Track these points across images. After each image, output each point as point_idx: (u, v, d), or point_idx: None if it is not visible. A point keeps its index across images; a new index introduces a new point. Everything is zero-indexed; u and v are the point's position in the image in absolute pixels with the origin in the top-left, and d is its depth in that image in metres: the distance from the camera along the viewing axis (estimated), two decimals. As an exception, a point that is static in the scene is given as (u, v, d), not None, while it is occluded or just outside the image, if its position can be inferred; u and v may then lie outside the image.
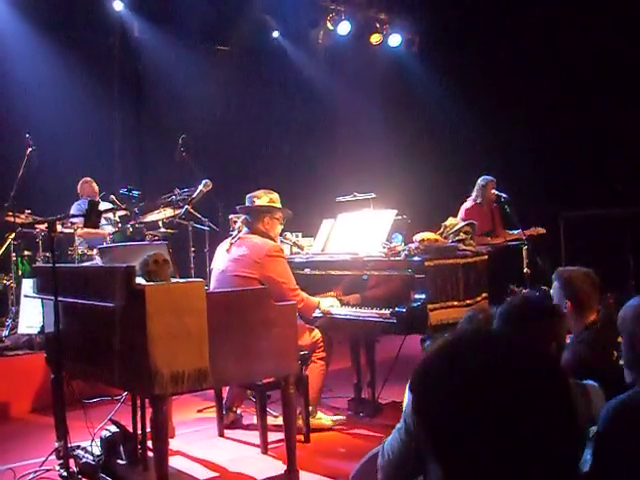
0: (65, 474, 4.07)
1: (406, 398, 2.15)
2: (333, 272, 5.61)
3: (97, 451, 4.39)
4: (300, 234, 6.30)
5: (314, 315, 5.30)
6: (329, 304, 5.32)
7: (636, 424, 2.26)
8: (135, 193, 7.35)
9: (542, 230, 8.34)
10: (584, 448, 1.30)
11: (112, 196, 7.91)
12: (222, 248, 5.30)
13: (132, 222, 7.59)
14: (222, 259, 5.22)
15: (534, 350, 1.28)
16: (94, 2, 9.38)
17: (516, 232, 8.25)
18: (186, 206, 5.76)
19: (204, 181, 5.59)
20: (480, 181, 8.55)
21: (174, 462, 4.67)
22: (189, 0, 9.47)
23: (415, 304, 4.83)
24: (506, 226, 8.64)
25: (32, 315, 6.60)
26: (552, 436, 1.20)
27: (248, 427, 5.50)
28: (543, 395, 1.21)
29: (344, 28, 11.17)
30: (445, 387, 1.24)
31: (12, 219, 7.12)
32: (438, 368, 1.29)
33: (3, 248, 7.29)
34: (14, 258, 7.44)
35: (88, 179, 8.28)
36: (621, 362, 2.62)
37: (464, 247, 5.39)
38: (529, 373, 1.23)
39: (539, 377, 1.23)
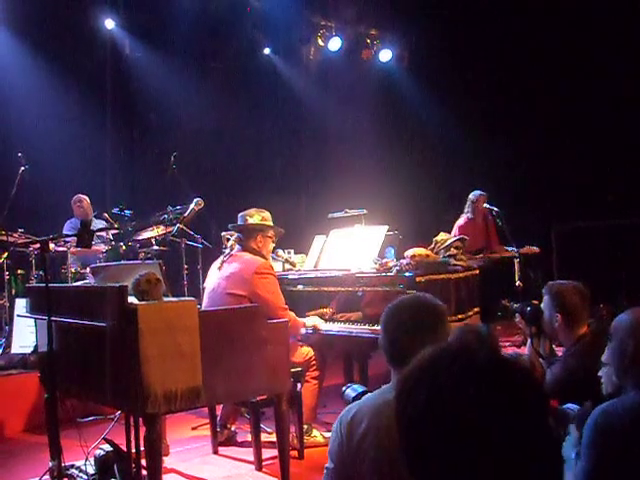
0: (59, 494, 4.07)
1: (332, 435, 2.23)
2: (326, 288, 5.62)
3: (91, 470, 4.38)
4: (292, 251, 6.31)
5: (307, 332, 5.32)
6: (312, 322, 5.35)
7: (618, 431, 2.30)
8: (127, 212, 7.37)
9: (536, 249, 8.39)
10: (561, 466, 1.31)
11: (105, 214, 7.94)
12: (215, 266, 5.32)
13: (125, 240, 7.60)
14: (214, 277, 5.24)
15: (506, 365, 1.31)
16: (85, 20, 9.41)
17: (510, 250, 8.30)
18: (178, 224, 5.78)
19: (195, 199, 5.62)
20: (471, 196, 8.60)
21: (168, 480, 4.69)
22: (180, 18, 9.53)
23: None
24: (501, 239, 8.68)
25: (25, 334, 6.58)
26: (524, 452, 1.22)
27: (242, 444, 5.49)
28: (514, 411, 1.23)
29: (335, 44, 11.23)
30: (416, 398, 1.27)
31: (5, 238, 7.11)
32: (413, 379, 1.32)
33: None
34: (7, 277, 7.43)
35: (80, 197, 8.27)
36: (600, 374, 2.67)
37: (455, 262, 5.43)
38: (499, 389, 1.25)
39: (510, 393, 1.25)
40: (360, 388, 2.97)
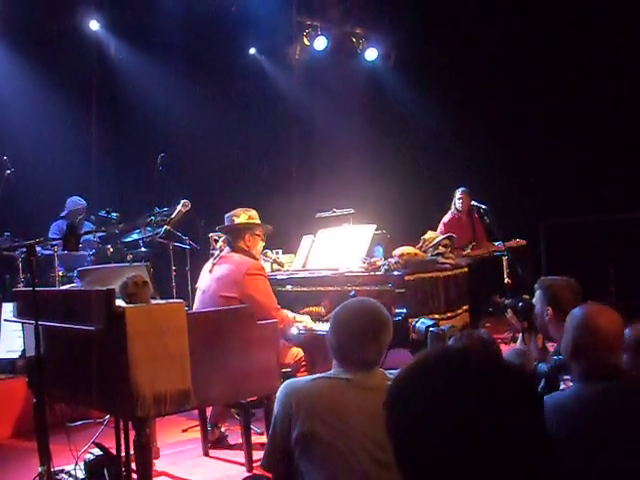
0: (49, 499, 4.05)
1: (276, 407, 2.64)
2: (315, 288, 5.61)
3: (81, 475, 4.36)
4: (280, 251, 6.31)
5: (298, 333, 5.29)
6: (301, 319, 5.32)
7: (561, 422, 2.35)
8: (113, 215, 7.34)
9: (523, 242, 8.41)
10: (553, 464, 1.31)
11: (92, 217, 7.91)
12: (206, 268, 5.31)
13: (112, 243, 7.58)
14: (205, 279, 5.23)
15: (500, 369, 1.30)
16: (70, 22, 9.35)
17: (497, 244, 8.33)
18: (165, 226, 5.76)
19: (182, 201, 5.61)
20: (456, 193, 8.63)
21: (159, 483, 4.67)
22: (165, 19, 9.49)
23: (396, 318, 4.84)
24: (488, 236, 8.70)
25: (13, 339, 6.54)
26: (520, 453, 1.21)
27: (233, 446, 5.47)
28: (510, 415, 1.22)
29: (320, 43, 11.21)
30: (412, 404, 1.26)
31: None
32: (408, 385, 1.31)
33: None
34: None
35: (73, 200, 8.23)
36: None
37: (443, 260, 5.44)
38: (494, 393, 1.24)
39: (506, 396, 1.24)
40: (429, 321, 3.52)
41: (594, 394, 2.48)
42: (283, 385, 2.68)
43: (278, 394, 2.65)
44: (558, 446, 2.34)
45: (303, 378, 2.81)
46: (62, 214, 8.10)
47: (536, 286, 3.94)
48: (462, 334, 3.30)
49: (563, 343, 2.70)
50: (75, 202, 8.20)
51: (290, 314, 5.19)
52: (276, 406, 2.64)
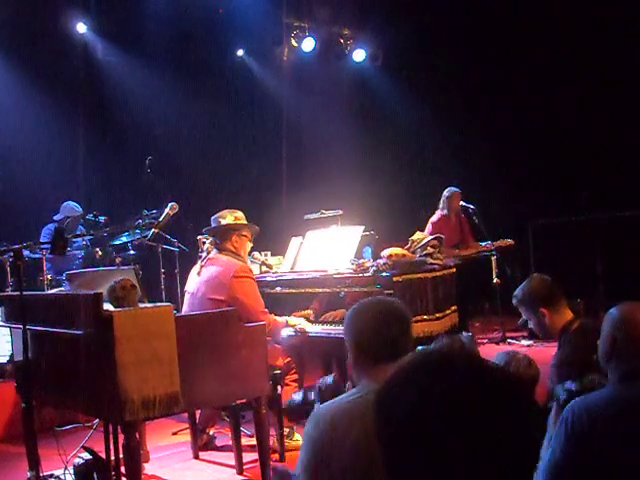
0: (38, 504, 4.04)
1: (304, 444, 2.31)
2: (304, 290, 5.61)
3: (70, 479, 4.35)
4: (269, 253, 6.30)
5: (287, 334, 5.28)
6: (294, 322, 5.30)
7: (592, 425, 2.34)
8: (101, 218, 7.33)
9: (510, 242, 8.45)
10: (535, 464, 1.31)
11: (81, 220, 7.90)
12: (194, 271, 5.30)
13: (101, 246, 7.57)
14: (193, 282, 5.22)
15: (485, 370, 1.30)
16: (57, 25, 9.33)
17: (485, 244, 8.35)
18: (153, 229, 5.75)
19: (170, 204, 5.61)
20: (445, 193, 8.64)
21: (149, 487, 4.66)
22: (152, 21, 9.47)
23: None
24: (475, 237, 8.72)
25: (1, 343, 6.51)
26: (506, 457, 1.21)
27: (223, 448, 5.47)
28: (497, 416, 1.23)
29: (308, 45, 11.22)
30: (399, 407, 1.26)
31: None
32: (394, 389, 1.31)
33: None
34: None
35: (70, 205, 8.22)
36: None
37: (432, 261, 5.44)
38: (481, 393, 1.24)
39: (493, 397, 1.25)
40: None
41: (630, 396, 2.44)
42: (312, 415, 2.41)
43: (307, 428, 2.37)
44: (589, 447, 2.33)
45: (332, 403, 2.45)
46: (56, 217, 8.08)
47: (515, 303, 3.87)
48: (444, 339, 3.29)
49: (600, 344, 2.64)
50: (71, 208, 8.16)
51: (280, 319, 5.17)
52: (305, 443, 2.37)
